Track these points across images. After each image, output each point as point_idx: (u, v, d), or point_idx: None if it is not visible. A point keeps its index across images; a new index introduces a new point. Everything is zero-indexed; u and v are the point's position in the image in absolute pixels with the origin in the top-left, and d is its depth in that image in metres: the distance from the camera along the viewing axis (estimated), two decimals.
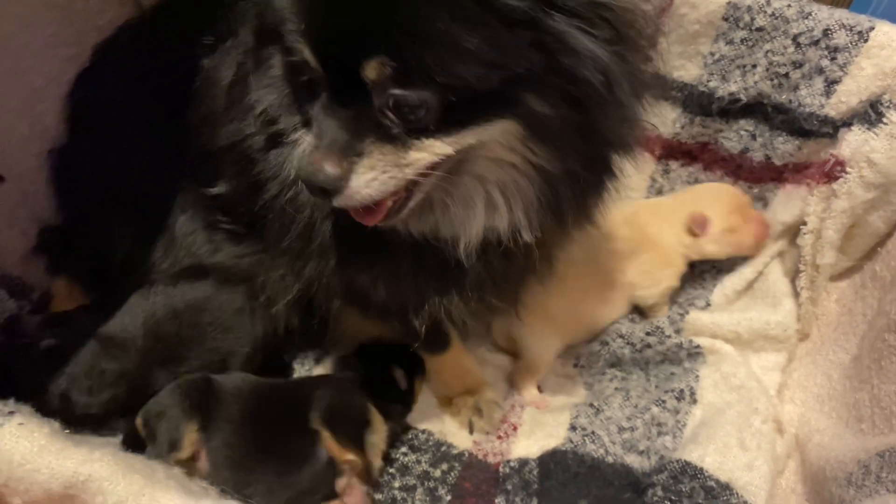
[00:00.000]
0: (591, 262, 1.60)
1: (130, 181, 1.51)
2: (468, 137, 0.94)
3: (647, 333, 1.63)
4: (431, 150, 0.94)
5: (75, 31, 1.55)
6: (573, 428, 1.52)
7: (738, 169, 1.72)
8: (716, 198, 1.67)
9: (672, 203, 1.70)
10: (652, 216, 1.68)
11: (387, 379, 1.50)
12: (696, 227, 1.63)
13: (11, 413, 0.92)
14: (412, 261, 1.18)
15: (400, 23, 0.85)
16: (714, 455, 1.35)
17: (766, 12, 1.51)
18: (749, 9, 1.51)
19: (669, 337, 1.61)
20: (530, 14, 0.86)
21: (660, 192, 1.78)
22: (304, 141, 1.04)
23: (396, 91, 0.88)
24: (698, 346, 1.59)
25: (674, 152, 1.74)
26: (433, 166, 0.96)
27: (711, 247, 1.66)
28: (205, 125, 1.41)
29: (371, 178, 0.93)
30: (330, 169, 0.91)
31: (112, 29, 1.59)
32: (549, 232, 1.15)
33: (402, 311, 1.31)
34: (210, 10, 1.46)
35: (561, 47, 0.88)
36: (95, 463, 0.85)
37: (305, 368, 1.63)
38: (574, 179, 1.05)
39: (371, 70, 0.87)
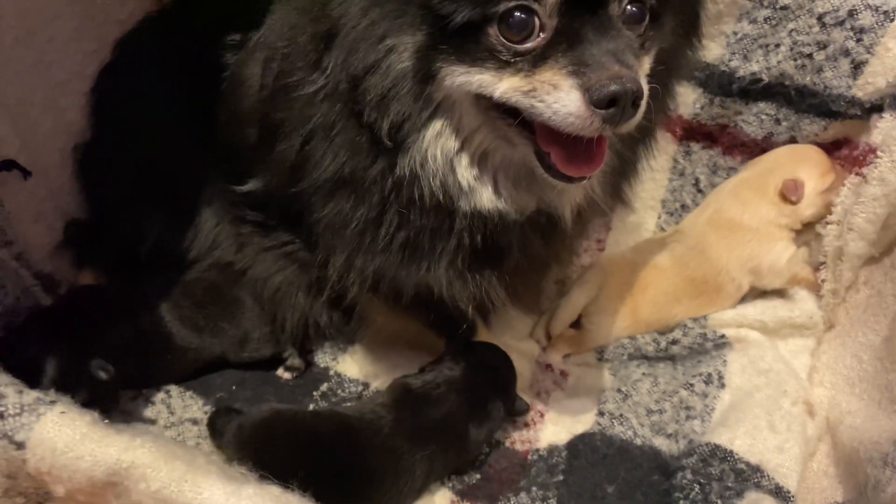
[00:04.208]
0: (681, 271, 1.62)
1: (156, 173, 1.52)
2: (650, 59, 1.02)
3: (671, 331, 1.62)
4: (645, 66, 0.99)
5: (97, 25, 1.56)
6: (601, 413, 1.52)
7: (762, 153, 1.69)
8: (802, 160, 1.60)
9: (755, 178, 1.63)
10: (739, 203, 1.63)
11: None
12: (790, 193, 1.57)
13: (52, 402, 0.93)
14: (467, 249, 1.18)
15: None
16: (744, 438, 1.35)
17: None
18: None
19: (693, 329, 1.60)
20: None
21: (682, 174, 1.76)
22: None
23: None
24: (724, 336, 1.58)
25: (694, 134, 1.72)
26: None
27: (810, 211, 1.60)
28: (232, 123, 1.42)
29: (644, 80, 0.94)
30: (629, 73, 0.90)
31: (133, 22, 1.60)
32: (604, 205, 1.21)
33: (439, 300, 1.31)
34: (231, 1, 1.47)
35: None
36: (137, 450, 0.86)
37: (330, 357, 1.63)
38: (633, 148, 1.12)
39: None
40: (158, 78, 1.53)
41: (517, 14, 0.90)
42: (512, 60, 0.93)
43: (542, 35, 0.91)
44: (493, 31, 0.91)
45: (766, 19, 1.52)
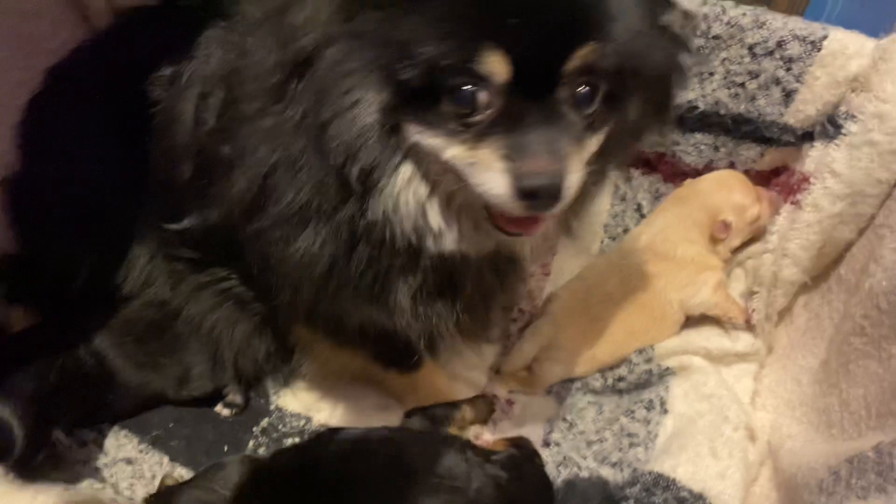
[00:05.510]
0: (629, 295, 1.62)
1: (87, 209, 1.48)
2: (599, 138, 1.00)
3: (618, 368, 1.62)
4: (590, 149, 0.99)
5: (26, 55, 1.51)
6: (547, 444, 1.51)
7: None
8: (728, 194, 1.63)
9: (684, 221, 1.66)
10: (669, 243, 1.65)
11: None
12: (720, 234, 1.63)
13: None
14: (426, 286, 1.19)
15: (600, 7, 0.92)
16: (686, 465, 1.34)
17: (721, 20, 1.52)
18: (706, 17, 1.52)
19: (639, 365, 1.60)
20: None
21: (623, 199, 1.78)
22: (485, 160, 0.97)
23: (584, 77, 0.93)
24: (668, 368, 1.59)
25: (634, 160, 1.74)
26: None
27: (737, 241, 1.65)
28: (166, 160, 1.39)
29: (575, 178, 0.94)
30: (555, 168, 0.91)
31: (64, 52, 1.55)
32: (555, 238, 1.25)
33: (384, 334, 1.31)
34: (166, 32, 1.45)
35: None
36: None
37: (272, 391, 1.60)
38: (586, 189, 1.10)
39: (577, 59, 0.91)
40: (90, 110, 1.48)
41: (465, 88, 0.92)
42: (459, 130, 0.95)
43: (488, 112, 0.93)
44: (445, 100, 0.94)
45: (699, 48, 1.55)
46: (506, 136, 0.92)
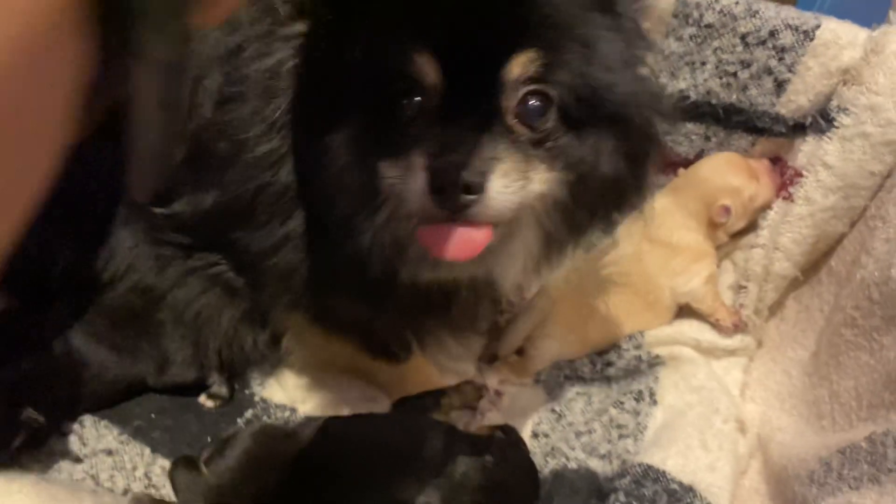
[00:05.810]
0: (621, 284, 1.61)
1: (65, 192, 1.44)
2: (562, 168, 0.95)
3: (607, 353, 1.60)
4: (541, 170, 0.94)
5: None
6: (535, 435, 1.50)
7: None
8: (722, 176, 1.61)
9: (682, 206, 1.65)
10: (665, 228, 1.63)
11: None
12: (720, 218, 1.61)
13: None
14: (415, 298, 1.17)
15: (547, 16, 0.89)
16: (676, 457, 1.34)
17: (714, 9, 1.51)
18: (698, 5, 1.52)
19: (628, 350, 1.59)
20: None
21: None
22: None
23: (531, 87, 0.89)
24: (658, 356, 1.58)
25: None
26: (540, 196, 0.96)
27: (739, 223, 1.63)
28: None
29: (505, 185, 0.89)
30: (475, 164, 0.86)
31: None
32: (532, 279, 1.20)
33: (372, 329, 1.32)
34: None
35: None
36: (14, 495, 0.80)
37: (256, 382, 1.57)
38: (564, 237, 1.09)
39: (517, 67, 0.88)
40: None
41: (404, 97, 0.91)
42: (401, 143, 0.93)
43: (425, 118, 0.91)
44: (389, 112, 0.92)
45: (691, 37, 1.54)
46: (434, 139, 0.89)
